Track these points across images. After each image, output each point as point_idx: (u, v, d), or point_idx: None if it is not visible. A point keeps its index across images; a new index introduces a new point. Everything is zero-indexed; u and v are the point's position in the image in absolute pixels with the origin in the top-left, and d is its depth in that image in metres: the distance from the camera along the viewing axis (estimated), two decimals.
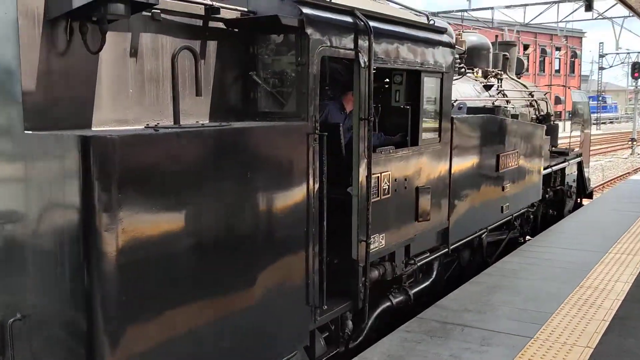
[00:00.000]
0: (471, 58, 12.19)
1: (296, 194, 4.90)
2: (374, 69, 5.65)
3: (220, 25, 4.87)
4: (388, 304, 6.93)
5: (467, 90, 11.07)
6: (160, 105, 4.43)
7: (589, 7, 17.58)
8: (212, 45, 4.81)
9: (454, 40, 7.36)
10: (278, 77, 5.16)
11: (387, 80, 6.79)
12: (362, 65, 5.57)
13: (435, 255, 7.64)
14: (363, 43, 5.55)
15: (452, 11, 38.49)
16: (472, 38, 12.47)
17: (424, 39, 6.63)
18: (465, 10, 37.74)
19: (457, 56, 9.07)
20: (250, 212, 4.44)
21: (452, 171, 7.57)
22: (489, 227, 9.38)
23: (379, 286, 6.84)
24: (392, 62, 6.07)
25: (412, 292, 7.29)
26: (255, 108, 5.18)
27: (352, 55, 5.50)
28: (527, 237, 11.83)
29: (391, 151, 6.23)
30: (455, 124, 7.51)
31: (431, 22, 7.35)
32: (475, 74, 12.09)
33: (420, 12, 8.53)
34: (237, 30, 5.02)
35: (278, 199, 4.72)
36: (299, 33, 4.90)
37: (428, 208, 6.90)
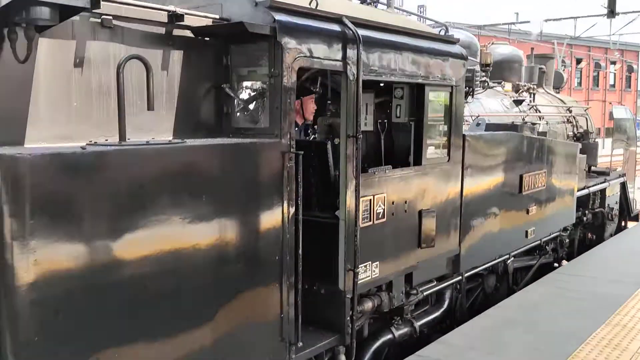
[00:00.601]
0: (501, 71, 11.55)
1: (268, 219, 4.43)
2: (373, 81, 5.15)
3: (188, 33, 4.47)
4: (389, 336, 6.36)
5: (493, 105, 10.43)
6: (114, 120, 4.04)
7: (611, 13, 16.67)
8: (176, 55, 4.42)
9: (465, 52, 6.78)
10: (252, 90, 4.73)
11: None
12: (351, 78, 5.08)
13: (445, 284, 7.03)
14: (351, 53, 5.07)
15: (499, 24, 37.58)
16: (502, 50, 11.81)
17: (428, 49, 6.09)
18: (513, 23, 36.78)
19: (476, 68, 8.48)
20: (207, 240, 4.00)
21: (464, 193, 6.96)
22: (513, 253, 8.69)
23: (382, 317, 6.30)
24: (388, 75, 5.55)
25: (418, 323, 6.71)
26: (229, 124, 4.76)
27: (338, 67, 5.03)
28: (564, 262, 11.03)
29: (387, 171, 5.69)
30: (468, 142, 6.91)
31: (442, 32, 6.82)
32: (504, 88, 11.42)
33: (438, 23, 7.99)
34: (208, 39, 4.62)
35: (245, 225, 4.27)
36: (271, 42, 4.46)
37: (433, 233, 6.32)
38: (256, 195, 4.34)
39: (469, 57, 7.33)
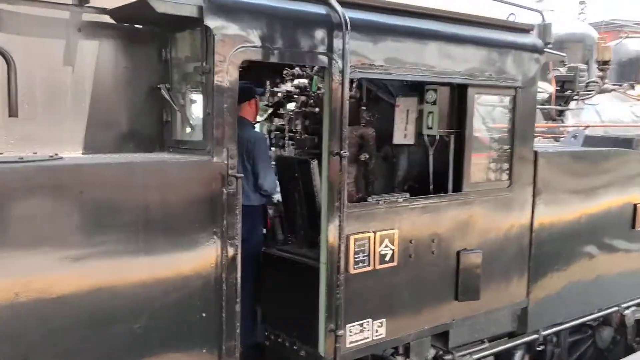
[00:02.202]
0: (635, 71, 9.36)
1: (187, 263, 3.32)
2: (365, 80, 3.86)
3: (107, 18, 3.50)
4: None
5: (616, 113, 8.36)
6: None
7: None
8: (88, 46, 3.46)
9: (540, 43, 5.12)
10: (191, 92, 3.65)
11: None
12: (336, 77, 3.80)
13: (505, 346, 5.40)
14: (339, 43, 3.79)
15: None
16: (636, 45, 9.56)
17: (473, 39, 4.58)
18: None
19: (580, 66, 6.67)
20: (79, 289, 2.98)
21: (536, 227, 5.29)
22: (627, 305, 6.73)
23: None
24: (402, 72, 4.17)
25: None
26: (170, 135, 3.73)
27: (319, 61, 3.78)
28: None
29: (401, 200, 4.30)
30: (542, 160, 5.24)
31: (511, 18, 5.22)
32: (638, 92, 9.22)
33: (532, 10, 6.36)
34: (141, 27, 3.62)
35: (147, 270, 3.20)
36: (203, 27, 3.35)
37: (478, 281, 4.79)
38: (167, 232, 3.25)
39: (559, 53, 5.66)
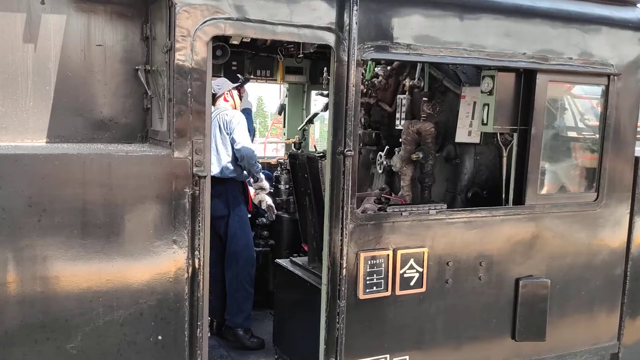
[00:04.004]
0: None
1: (137, 278, 2.82)
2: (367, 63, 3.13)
3: None
4: None
5: None
6: None
7: None
8: (54, 21, 3.05)
9: None
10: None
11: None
12: (344, 58, 3.08)
13: None
14: (345, 15, 3.07)
15: None
16: None
17: (546, 11, 3.60)
18: None
19: None
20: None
21: (634, 253, 4.19)
22: None
23: None
24: (440, 52, 3.32)
25: None
26: (151, 124, 3.25)
27: (319, 39, 3.08)
28: None
29: (433, 211, 3.47)
30: None
31: None
32: None
33: None
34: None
35: (85, 283, 2.74)
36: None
37: (544, 317, 3.82)
38: (111, 238, 2.75)
39: None
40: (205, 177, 2.83)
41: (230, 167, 4.59)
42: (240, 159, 4.57)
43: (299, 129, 6.49)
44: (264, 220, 5.38)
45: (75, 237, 2.67)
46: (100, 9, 3.11)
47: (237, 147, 4.53)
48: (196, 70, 2.80)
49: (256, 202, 4.93)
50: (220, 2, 2.81)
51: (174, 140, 2.81)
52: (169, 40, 2.79)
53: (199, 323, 2.89)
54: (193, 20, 2.77)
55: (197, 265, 2.87)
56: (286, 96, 6.91)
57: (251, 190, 4.93)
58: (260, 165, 4.80)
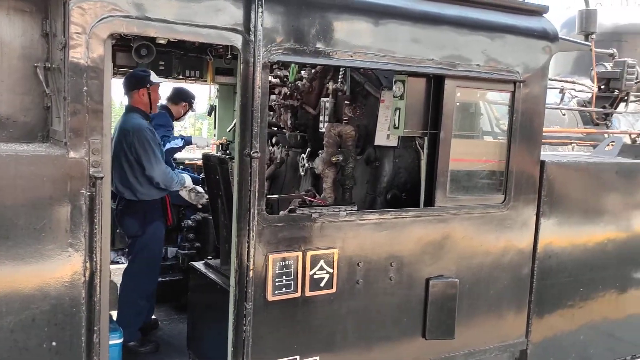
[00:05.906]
0: None
1: (28, 282, 2.72)
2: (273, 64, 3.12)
3: None
4: None
5: None
6: None
7: None
8: None
9: (554, 29, 4.14)
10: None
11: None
12: (250, 60, 3.07)
13: None
14: (252, 16, 3.06)
15: None
16: None
17: (454, 19, 3.70)
18: None
19: (629, 61, 5.56)
20: None
21: (540, 253, 4.34)
22: None
23: None
24: (349, 56, 3.36)
25: None
26: (51, 124, 3.14)
27: (225, 40, 3.06)
28: None
29: (344, 213, 3.50)
30: (549, 173, 4.28)
31: None
32: None
33: None
34: None
35: None
36: None
37: (452, 315, 3.91)
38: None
39: (582, 42, 4.64)
40: (102, 177, 2.76)
41: (142, 189, 4.45)
42: (155, 184, 4.45)
43: (228, 130, 6.44)
44: (189, 222, 5.34)
45: None
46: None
47: (147, 173, 4.38)
48: (92, 68, 2.73)
49: (192, 201, 4.88)
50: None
51: (70, 140, 2.73)
52: (64, 37, 2.70)
53: (95, 328, 2.81)
54: (88, 17, 2.70)
55: (94, 269, 2.80)
56: (216, 97, 6.85)
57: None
58: (179, 177, 4.69)
